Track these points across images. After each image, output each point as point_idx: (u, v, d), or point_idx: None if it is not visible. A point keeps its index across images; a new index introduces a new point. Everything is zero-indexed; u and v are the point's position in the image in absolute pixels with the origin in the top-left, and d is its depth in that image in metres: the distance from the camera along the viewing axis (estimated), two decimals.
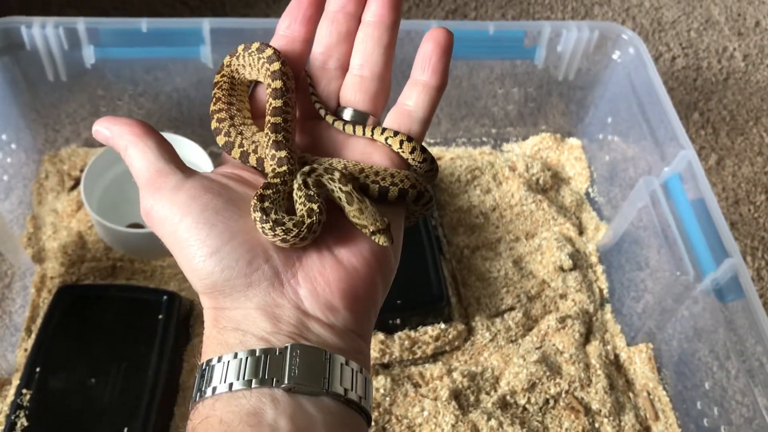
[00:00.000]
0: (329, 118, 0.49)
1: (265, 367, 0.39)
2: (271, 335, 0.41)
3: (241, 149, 0.47)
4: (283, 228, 0.42)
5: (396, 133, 0.48)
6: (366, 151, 0.49)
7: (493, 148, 1.20)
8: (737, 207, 1.16)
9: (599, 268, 1.06)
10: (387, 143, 0.48)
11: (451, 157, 1.16)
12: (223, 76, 0.50)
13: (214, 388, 0.39)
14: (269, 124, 0.46)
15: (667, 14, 1.45)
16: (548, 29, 1.04)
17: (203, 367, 0.41)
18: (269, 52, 0.47)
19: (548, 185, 1.14)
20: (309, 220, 0.42)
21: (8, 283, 0.96)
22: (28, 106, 1.06)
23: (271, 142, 0.45)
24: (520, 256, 1.05)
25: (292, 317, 0.41)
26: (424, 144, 0.49)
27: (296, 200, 0.45)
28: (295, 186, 0.45)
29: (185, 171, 0.45)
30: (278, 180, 0.44)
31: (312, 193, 0.44)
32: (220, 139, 0.48)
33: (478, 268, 1.02)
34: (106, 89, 1.08)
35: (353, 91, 0.48)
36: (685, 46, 1.39)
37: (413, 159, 0.49)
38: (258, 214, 0.42)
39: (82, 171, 1.07)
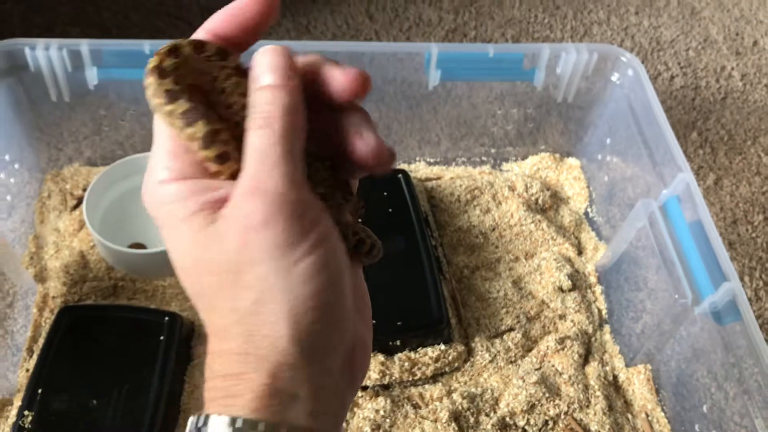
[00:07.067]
0: None
1: None
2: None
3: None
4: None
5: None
6: None
7: (493, 168, 1.21)
8: (735, 227, 1.16)
9: (598, 289, 1.07)
10: None
11: (450, 176, 1.17)
12: None
13: None
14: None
15: (665, 33, 1.46)
16: (547, 51, 1.05)
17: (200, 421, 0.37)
18: None
19: (547, 205, 1.14)
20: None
21: (10, 302, 0.96)
22: (31, 125, 1.07)
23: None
24: (520, 276, 1.05)
25: None
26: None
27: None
28: None
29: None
30: None
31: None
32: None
33: (478, 289, 1.03)
34: (108, 109, 1.08)
35: None
36: (684, 66, 1.40)
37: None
38: None
39: (84, 190, 1.08)
